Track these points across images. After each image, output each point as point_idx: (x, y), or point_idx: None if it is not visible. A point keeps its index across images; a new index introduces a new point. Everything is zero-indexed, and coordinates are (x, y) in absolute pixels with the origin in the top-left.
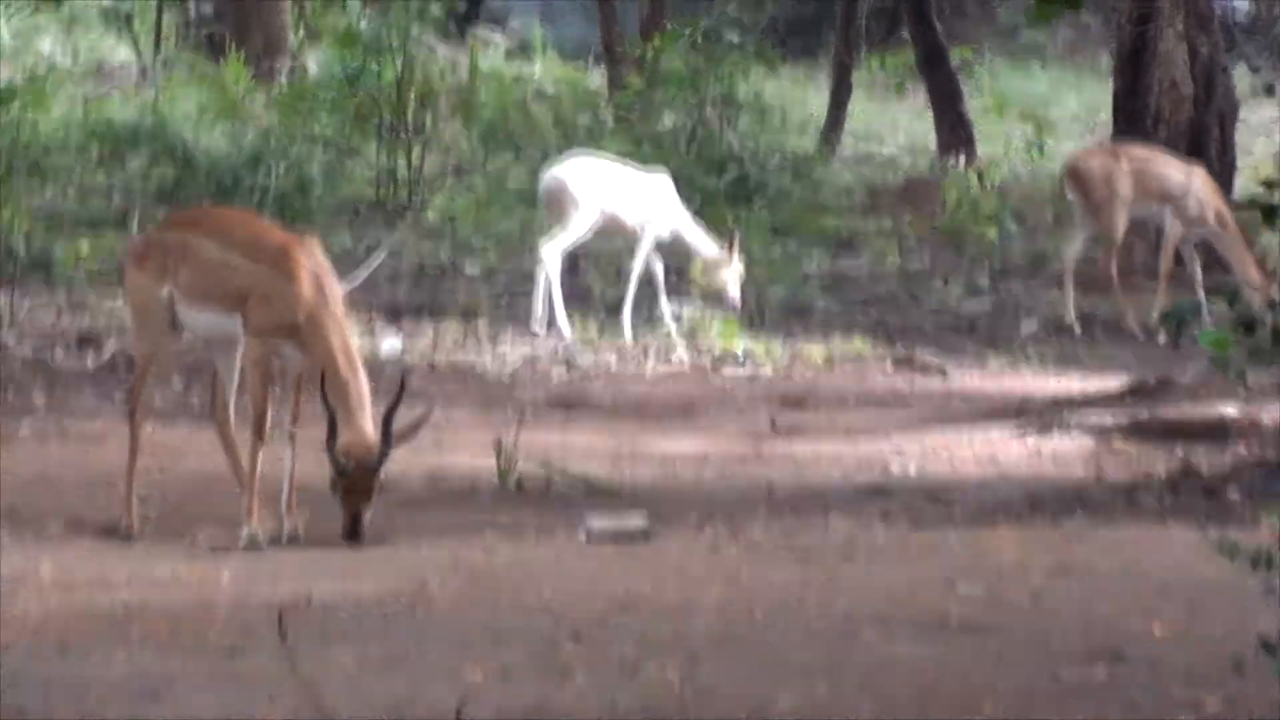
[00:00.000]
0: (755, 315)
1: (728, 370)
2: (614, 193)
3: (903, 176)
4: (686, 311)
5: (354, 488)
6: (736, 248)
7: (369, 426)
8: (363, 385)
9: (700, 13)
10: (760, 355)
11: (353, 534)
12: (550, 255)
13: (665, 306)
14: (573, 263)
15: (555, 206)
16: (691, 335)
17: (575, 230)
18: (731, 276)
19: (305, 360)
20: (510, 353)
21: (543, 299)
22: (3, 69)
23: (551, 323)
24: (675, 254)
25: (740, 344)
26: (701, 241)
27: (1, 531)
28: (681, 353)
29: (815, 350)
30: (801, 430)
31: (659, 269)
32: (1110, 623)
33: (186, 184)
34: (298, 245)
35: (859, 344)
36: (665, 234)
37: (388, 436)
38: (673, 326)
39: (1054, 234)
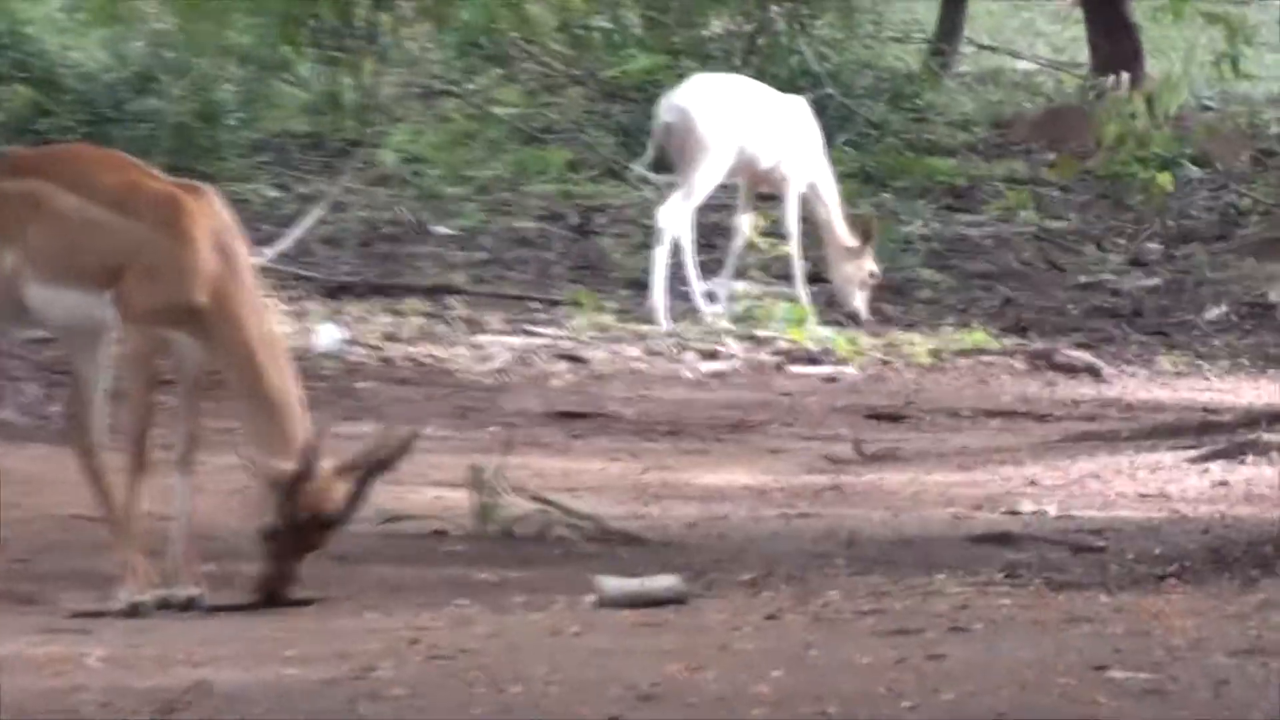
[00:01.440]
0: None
1: (796, 370)
2: (754, 127)
3: (1042, 103)
4: (741, 289)
5: (299, 547)
6: (874, 237)
7: (299, 446)
8: (291, 390)
9: None
10: (842, 349)
11: (275, 595)
12: (676, 221)
13: (696, 283)
14: (585, 222)
15: (679, 148)
16: (746, 322)
17: (705, 180)
18: (860, 276)
19: (207, 356)
20: (496, 345)
21: (662, 286)
22: None
23: (684, 314)
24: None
25: (814, 334)
26: (836, 212)
27: None
28: (732, 345)
29: (918, 343)
30: (897, 455)
31: (685, 233)
32: None
33: (49, 113)
34: (191, 197)
35: (979, 334)
36: (806, 185)
37: (363, 490)
38: (713, 309)
39: (1255, 182)
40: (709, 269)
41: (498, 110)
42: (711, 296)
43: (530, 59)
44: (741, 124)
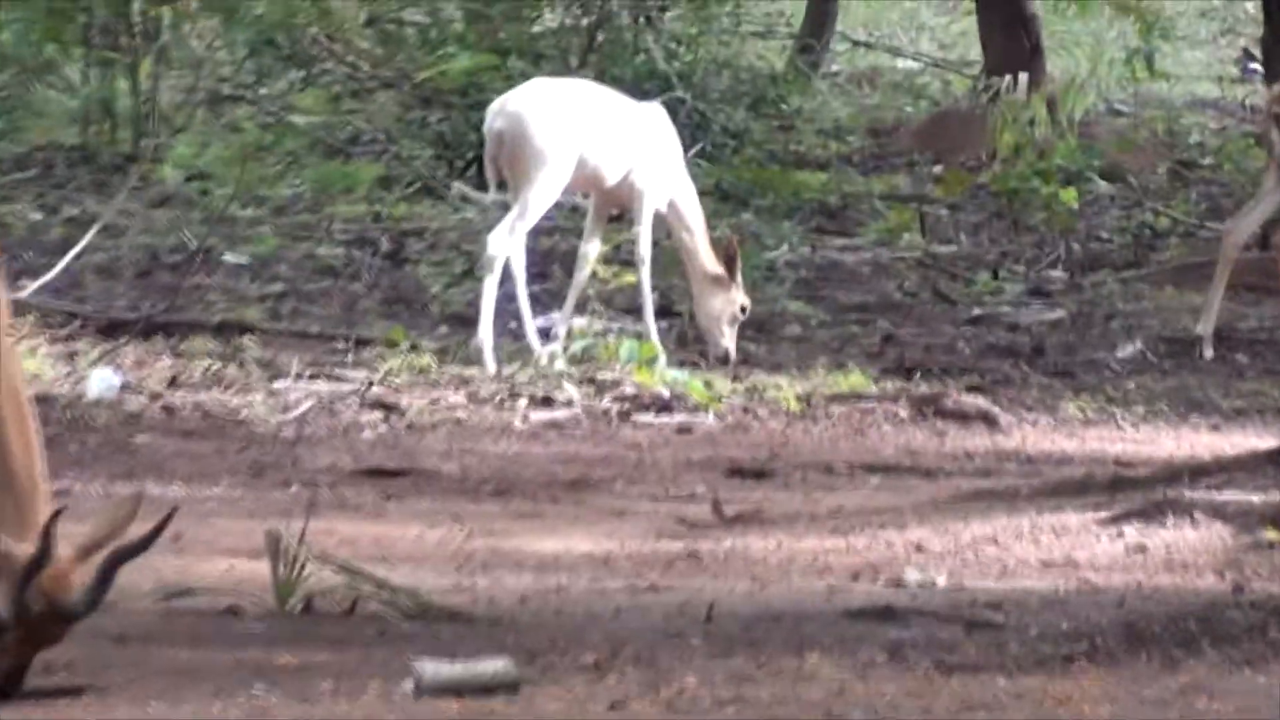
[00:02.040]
0: (689, 328)
1: (644, 419)
2: (599, 136)
3: (927, 108)
4: (580, 325)
5: (32, 638)
6: (738, 263)
7: (38, 525)
8: (33, 457)
9: None
10: (697, 395)
11: (7, 687)
12: (507, 247)
13: (529, 318)
14: (398, 249)
15: (511, 159)
16: (586, 363)
17: (540, 198)
18: (730, 310)
19: None
20: (296, 392)
21: (490, 322)
22: None
23: (514, 354)
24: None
25: (666, 377)
26: (702, 236)
27: None
28: (570, 390)
29: (785, 387)
30: (762, 516)
31: (516, 259)
32: None
33: None
34: None
35: (855, 377)
36: (664, 204)
37: (107, 577)
38: (548, 349)
39: (1174, 200)
40: (543, 302)
41: (296, 119)
42: (547, 334)
43: (334, 59)
44: (584, 133)
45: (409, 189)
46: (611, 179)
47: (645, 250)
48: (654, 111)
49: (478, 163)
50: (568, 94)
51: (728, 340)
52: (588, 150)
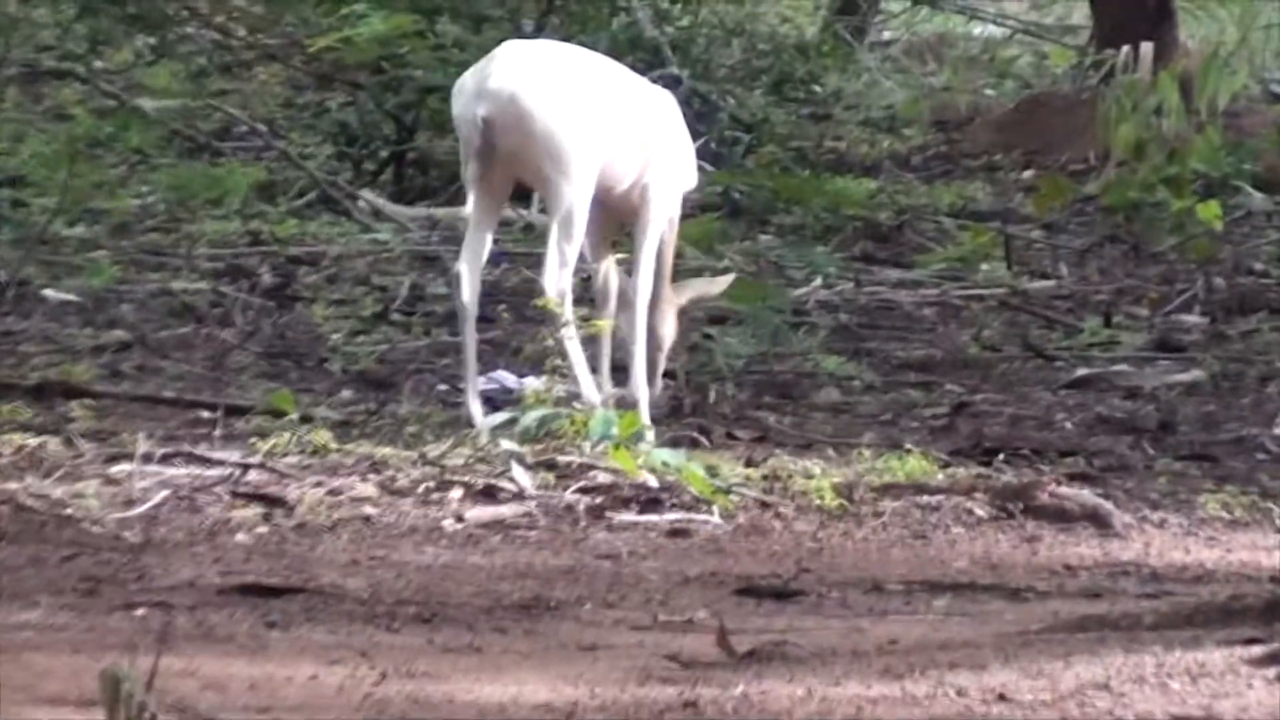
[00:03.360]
0: (686, 392)
1: (624, 517)
2: (614, 120)
3: (1014, 90)
4: (533, 387)
5: None
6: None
7: None
8: None
9: None
10: (697, 485)
11: None
12: (565, 280)
13: (472, 376)
14: (285, 281)
15: (515, 156)
16: (541, 438)
17: (580, 200)
18: (674, 327)
19: None
20: (144, 478)
21: (580, 365)
22: None
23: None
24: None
25: (654, 459)
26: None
27: None
28: (521, 477)
29: (817, 474)
30: (786, 653)
31: (467, 288)
32: None
33: None
34: None
35: (916, 461)
36: (667, 219)
37: None
38: (489, 422)
39: None
40: (486, 356)
41: (145, 103)
42: (492, 401)
43: (196, 21)
44: (601, 114)
45: (300, 200)
46: (626, 180)
47: (646, 281)
48: (665, 97)
49: (394, 164)
50: (566, 61)
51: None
52: (605, 140)
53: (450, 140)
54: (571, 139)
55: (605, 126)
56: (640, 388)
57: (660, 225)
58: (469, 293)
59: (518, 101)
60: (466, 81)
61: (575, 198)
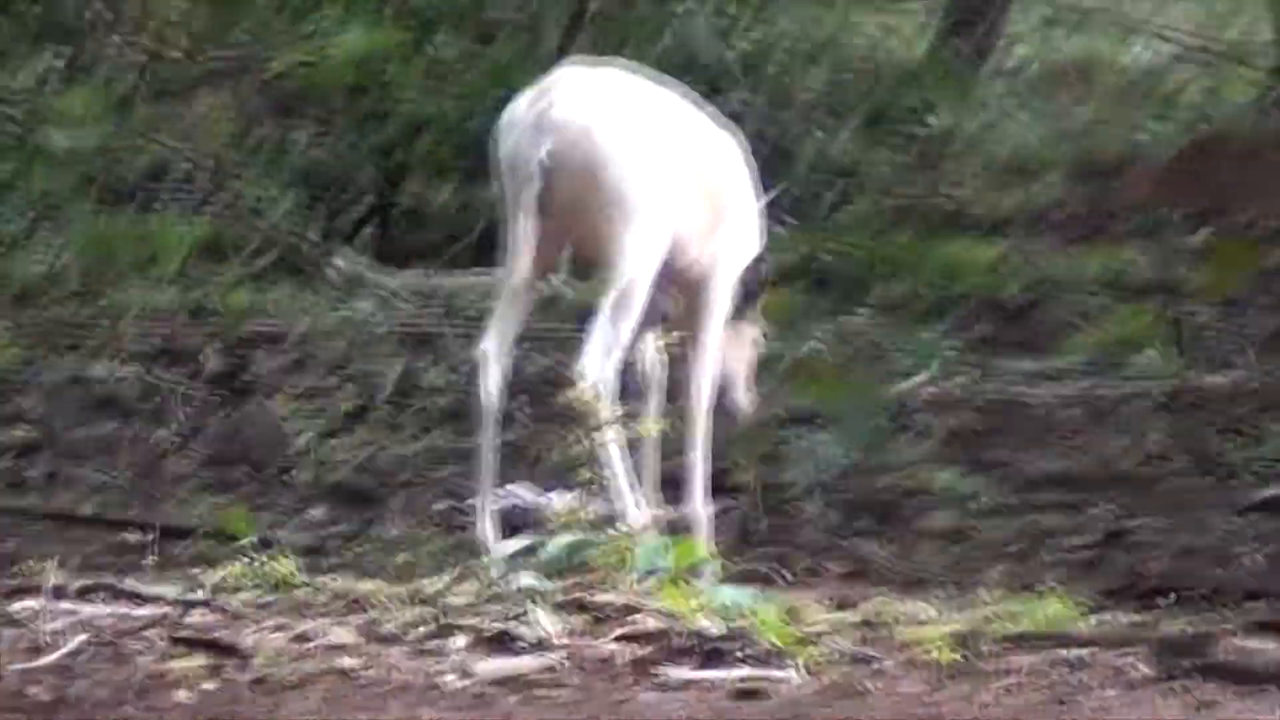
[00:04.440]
0: (760, 513)
1: (679, 674)
2: (688, 169)
3: (1184, 129)
4: (561, 505)
5: None
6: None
7: None
8: None
9: None
10: (771, 631)
11: None
12: (608, 367)
13: (487, 492)
14: (236, 367)
15: (576, 207)
16: (570, 571)
17: (644, 270)
18: (753, 350)
19: None
20: (58, 618)
21: (621, 477)
22: None
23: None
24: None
25: (716, 599)
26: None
27: None
28: (544, 621)
29: (928, 620)
30: None
31: (492, 379)
32: None
33: None
34: None
35: (1056, 605)
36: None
37: None
38: (503, 548)
39: None
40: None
41: (55, 136)
42: (509, 520)
43: (120, 32)
44: (681, 165)
45: (256, 263)
46: (694, 245)
47: (708, 374)
48: (732, 137)
49: (377, 217)
50: (641, 92)
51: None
52: (680, 193)
53: (449, 187)
54: (646, 190)
55: (681, 176)
56: (699, 507)
57: (727, 303)
58: (495, 382)
59: (591, 139)
60: (520, 112)
61: (641, 264)
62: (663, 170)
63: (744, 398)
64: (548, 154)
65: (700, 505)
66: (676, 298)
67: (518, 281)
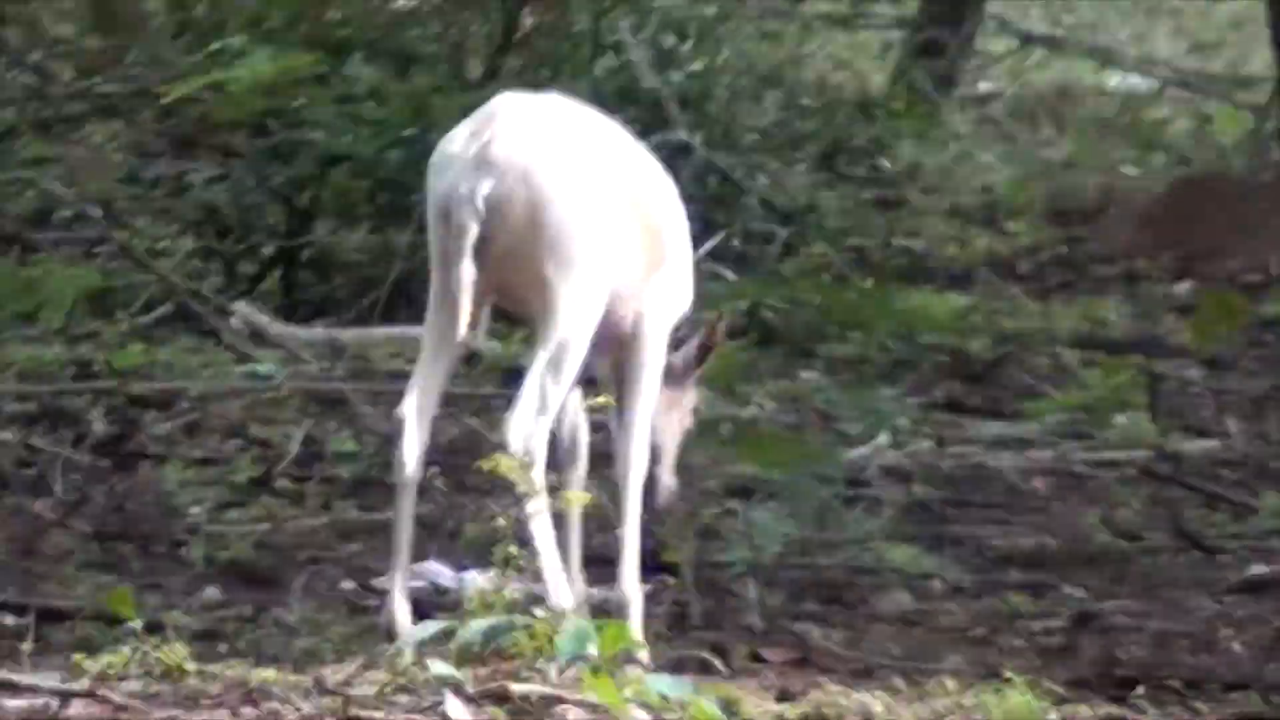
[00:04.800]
0: (695, 593)
1: None
2: (629, 208)
3: (1167, 167)
4: (476, 583)
5: None
6: (713, 351)
7: None
8: None
9: None
10: None
11: None
12: (535, 431)
13: (402, 570)
14: (123, 431)
15: (518, 254)
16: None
17: (584, 325)
18: (684, 422)
19: None
20: None
21: (551, 553)
22: None
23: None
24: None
25: (649, 690)
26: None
27: None
28: (459, 713)
29: (881, 712)
30: None
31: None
32: None
33: None
34: None
35: (1019, 697)
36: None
37: None
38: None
39: None
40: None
41: None
42: (421, 601)
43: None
44: (623, 207)
45: (148, 315)
46: (627, 298)
47: (641, 444)
48: (664, 176)
49: (283, 265)
50: (586, 126)
51: (666, 477)
52: (622, 239)
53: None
54: (592, 237)
55: (626, 221)
56: (630, 587)
57: (661, 361)
58: (413, 449)
59: (532, 179)
60: (455, 147)
61: (581, 317)
62: (609, 215)
63: (669, 474)
64: (485, 195)
65: (631, 585)
66: (601, 356)
67: (445, 337)
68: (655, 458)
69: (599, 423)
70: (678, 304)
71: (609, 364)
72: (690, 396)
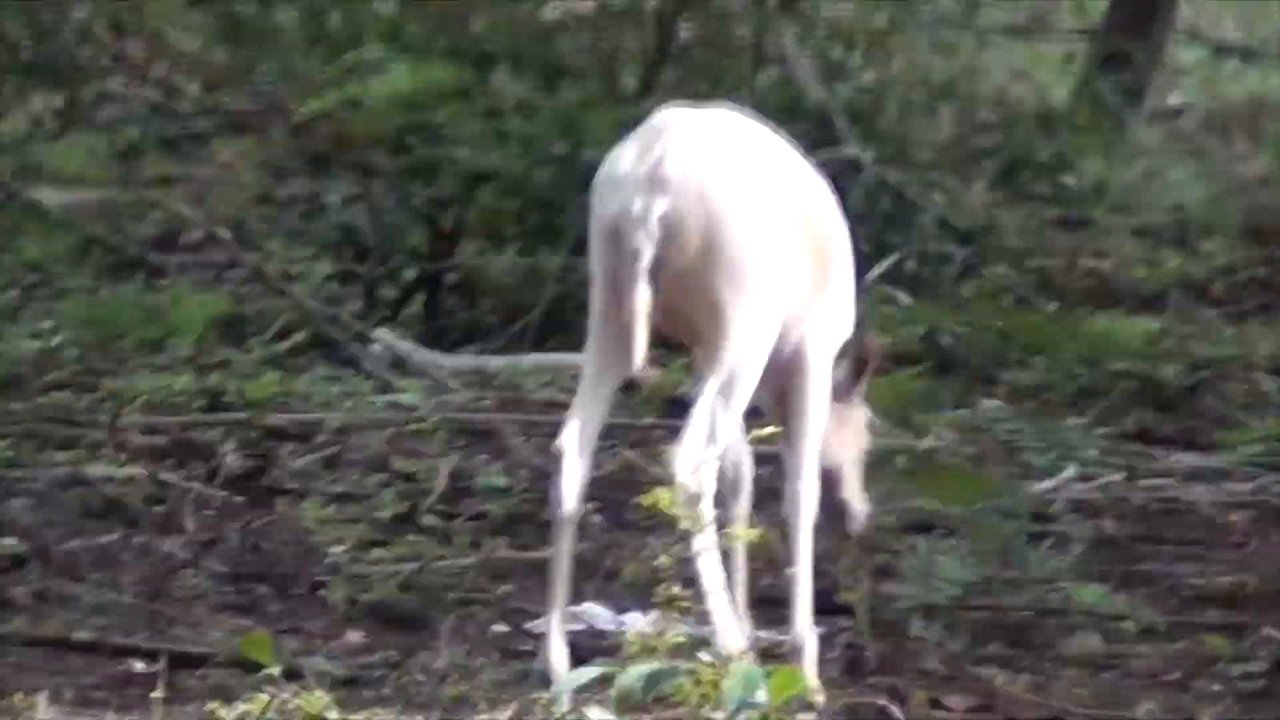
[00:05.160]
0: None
1: None
2: (800, 230)
3: None
4: (636, 626)
5: None
6: (872, 368)
7: None
8: None
9: None
10: None
11: None
12: (704, 467)
13: (559, 612)
14: (263, 465)
15: (690, 279)
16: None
17: (755, 356)
18: (861, 442)
19: None
20: None
21: (720, 593)
22: None
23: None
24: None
25: None
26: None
27: None
28: None
29: None
30: None
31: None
32: None
33: None
34: None
35: None
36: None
37: None
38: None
39: None
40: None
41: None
42: (577, 645)
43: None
44: (796, 228)
45: (283, 344)
46: (795, 315)
47: (809, 476)
48: (829, 192)
49: (426, 289)
50: (756, 141)
51: (855, 501)
52: (795, 261)
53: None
54: (769, 258)
55: (798, 241)
56: (802, 630)
57: (828, 387)
58: (572, 484)
59: (708, 197)
60: (624, 166)
61: (753, 343)
62: (784, 236)
63: (857, 498)
64: (662, 215)
65: (804, 628)
66: (761, 385)
67: (607, 365)
68: (834, 481)
69: (764, 456)
70: (841, 329)
71: (770, 393)
72: (861, 414)
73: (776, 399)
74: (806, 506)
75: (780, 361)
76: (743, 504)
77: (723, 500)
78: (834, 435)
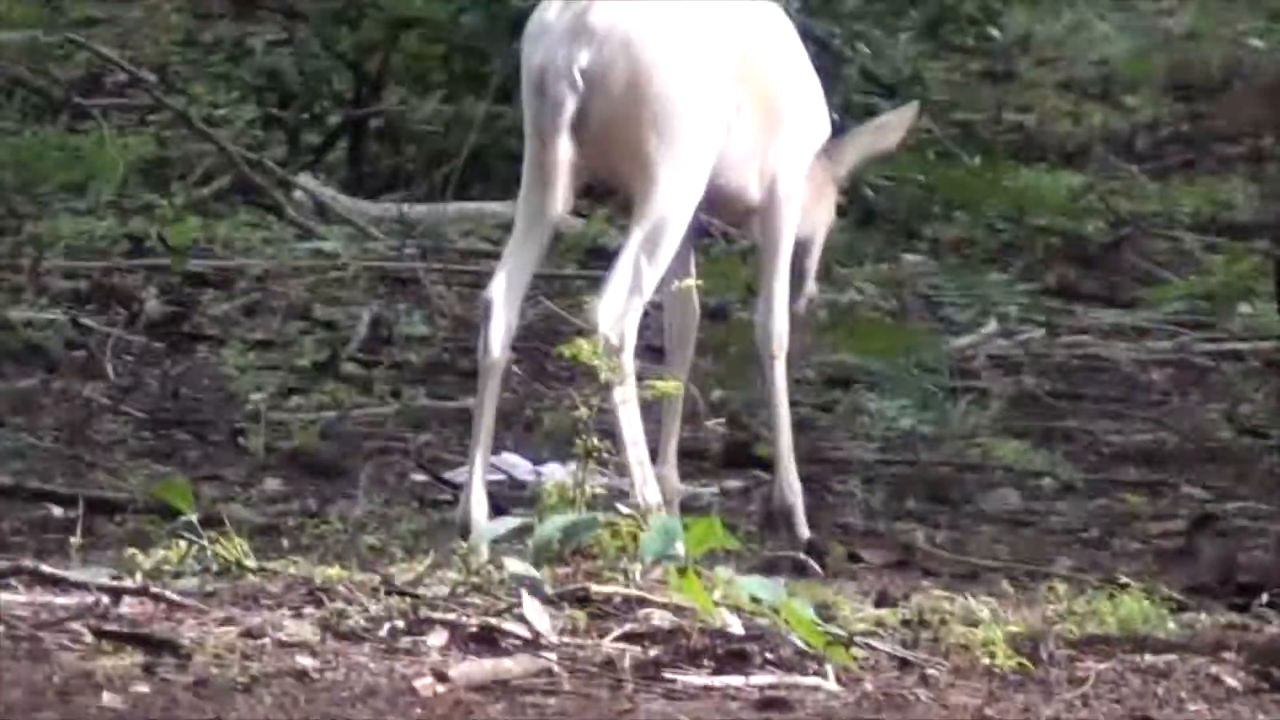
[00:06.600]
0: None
1: (693, 679)
2: (739, 83)
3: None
4: (555, 479)
5: None
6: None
7: None
8: None
9: None
10: (805, 631)
11: None
12: (626, 317)
13: (482, 462)
14: (180, 310)
15: (614, 129)
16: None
17: (682, 205)
18: (825, 217)
19: None
20: None
21: (640, 445)
22: None
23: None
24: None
25: (739, 591)
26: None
27: None
28: (535, 613)
29: (988, 618)
30: None
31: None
32: None
33: None
34: None
35: (1134, 603)
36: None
37: None
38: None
39: None
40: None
41: None
42: (496, 496)
43: None
44: (731, 73)
45: (206, 188)
46: (745, 166)
47: (781, 321)
48: (777, 14)
49: (350, 136)
50: None
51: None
52: (729, 108)
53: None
54: (695, 107)
55: (730, 87)
56: (789, 483)
57: (794, 230)
58: (500, 334)
59: (633, 47)
60: (550, 16)
61: (681, 195)
62: (715, 84)
63: (812, 280)
64: (584, 68)
65: (789, 482)
66: (735, 227)
67: (538, 216)
68: (804, 250)
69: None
70: (808, 154)
71: (750, 230)
72: (834, 189)
73: (749, 235)
74: (779, 343)
75: (745, 203)
76: (681, 356)
77: (667, 348)
78: (812, 207)
